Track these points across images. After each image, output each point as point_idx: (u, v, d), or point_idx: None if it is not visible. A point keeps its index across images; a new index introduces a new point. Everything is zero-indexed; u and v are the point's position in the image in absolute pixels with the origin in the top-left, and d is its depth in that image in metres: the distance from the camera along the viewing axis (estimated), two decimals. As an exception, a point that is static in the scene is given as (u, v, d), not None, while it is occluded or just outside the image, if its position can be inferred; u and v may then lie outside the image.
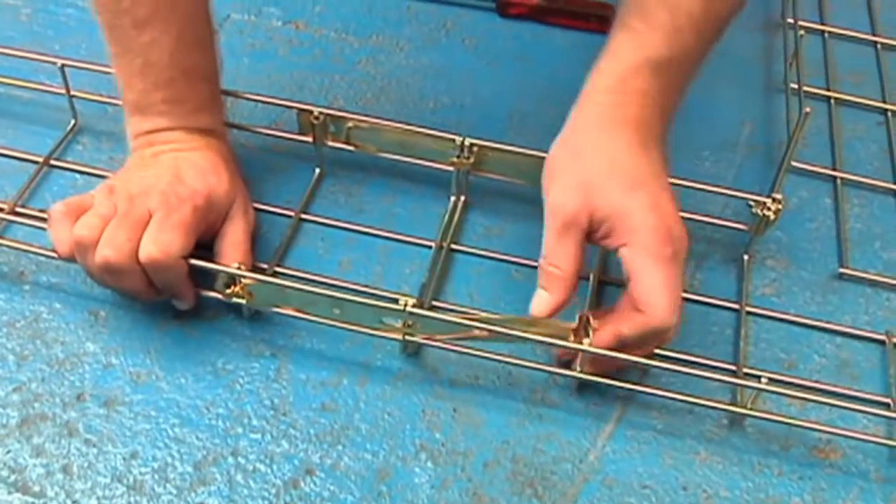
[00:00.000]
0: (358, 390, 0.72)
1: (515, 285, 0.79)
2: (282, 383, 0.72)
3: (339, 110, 0.82)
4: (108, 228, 0.69)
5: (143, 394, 0.71)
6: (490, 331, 0.69)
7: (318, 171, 0.86)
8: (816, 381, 0.75)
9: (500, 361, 0.72)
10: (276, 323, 0.75)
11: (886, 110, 0.97)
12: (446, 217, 0.82)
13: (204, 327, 0.75)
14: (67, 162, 0.86)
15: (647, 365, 0.70)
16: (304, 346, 0.75)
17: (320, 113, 0.81)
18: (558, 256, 0.69)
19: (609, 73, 0.71)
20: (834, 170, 0.91)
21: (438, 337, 0.72)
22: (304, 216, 0.83)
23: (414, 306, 0.69)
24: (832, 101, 0.97)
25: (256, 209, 0.81)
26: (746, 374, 0.75)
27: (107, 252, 0.68)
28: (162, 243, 0.69)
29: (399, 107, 0.89)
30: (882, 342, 0.78)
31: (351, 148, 0.83)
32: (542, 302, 0.69)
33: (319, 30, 1.00)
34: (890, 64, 1.02)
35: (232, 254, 0.74)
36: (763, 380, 0.69)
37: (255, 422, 0.70)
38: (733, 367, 0.75)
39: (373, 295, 0.76)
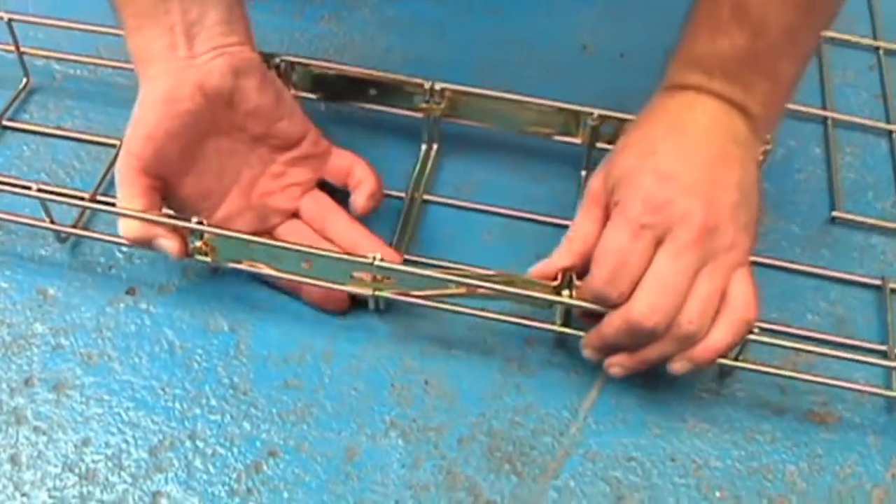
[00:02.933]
0: (322, 365, 0.68)
1: (487, 247, 0.76)
2: (241, 360, 0.68)
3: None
4: None
5: (94, 376, 0.67)
6: (467, 286, 0.64)
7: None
8: (811, 330, 0.72)
9: (473, 315, 0.67)
10: (235, 295, 0.71)
11: (878, 48, 0.92)
12: (418, 166, 0.78)
13: (159, 302, 0.71)
14: (20, 122, 0.81)
15: None
16: (266, 320, 0.70)
17: (282, 60, 0.76)
18: (575, 226, 0.66)
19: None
20: (824, 110, 0.86)
21: (413, 293, 0.67)
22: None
23: (382, 259, 0.64)
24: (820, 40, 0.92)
25: None
26: None
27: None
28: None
29: (364, 62, 0.83)
30: (879, 288, 0.74)
31: (315, 97, 0.79)
32: (540, 263, 0.66)
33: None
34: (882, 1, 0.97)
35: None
36: (754, 330, 0.64)
37: (213, 402, 0.66)
38: None
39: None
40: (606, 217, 0.64)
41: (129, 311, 0.70)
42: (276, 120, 0.70)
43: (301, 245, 0.66)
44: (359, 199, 0.71)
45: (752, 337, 0.63)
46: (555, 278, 0.65)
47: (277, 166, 0.72)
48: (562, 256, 0.65)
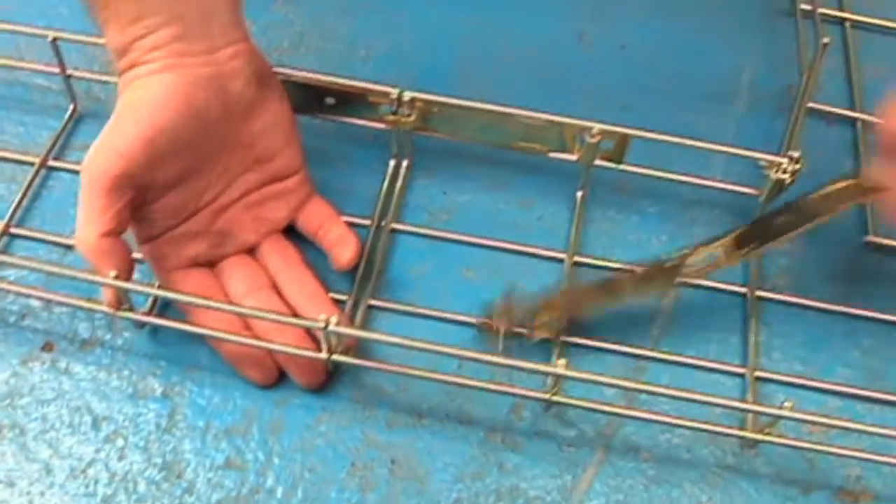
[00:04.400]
0: (271, 440, 0.58)
1: (467, 286, 0.65)
2: (175, 434, 0.58)
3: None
4: None
5: (2, 455, 0.57)
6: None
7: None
8: (844, 385, 0.62)
9: (450, 383, 0.58)
10: (170, 353, 0.61)
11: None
12: (385, 186, 0.67)
13: (81, 361, 0.60)
14: (69, 163, 0.69)
15: (636, 390, 0.59)
16: (204, 382, 0.60)
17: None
18: None
19: None
20: (854, 110, 0.75)
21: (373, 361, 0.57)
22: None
23: (338, 324, 0.54)
24: (847, 24, 0.81)
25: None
26: (758, 378, 0.62)
27: None
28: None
29: (324, 57, 0.72)
30: None
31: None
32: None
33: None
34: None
35: None
36: (786, 403, 0.54)
37: (141, 487, 0.56)
38: (743, 371, 0.62)
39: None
40: None
41: (45, 372, 0.60)
42: (283, 145, 0.61)
43: (253, 308, 0.57)
44: (343, 258, 0.62)
45: (779, 413, 0.54)
46: None
47: (257, 195, 0.62)
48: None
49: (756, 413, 0.58)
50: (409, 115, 0.65)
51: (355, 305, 0.62)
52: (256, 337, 0.57)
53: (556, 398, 0.57)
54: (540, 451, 0.58)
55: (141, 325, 0.60)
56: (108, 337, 0.61)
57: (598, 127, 0.63)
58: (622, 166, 0.66)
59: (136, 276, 0.60)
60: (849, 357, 0.64)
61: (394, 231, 0.67)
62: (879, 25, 0.82)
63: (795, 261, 0.67)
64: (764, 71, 0.78)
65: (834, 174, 0.68)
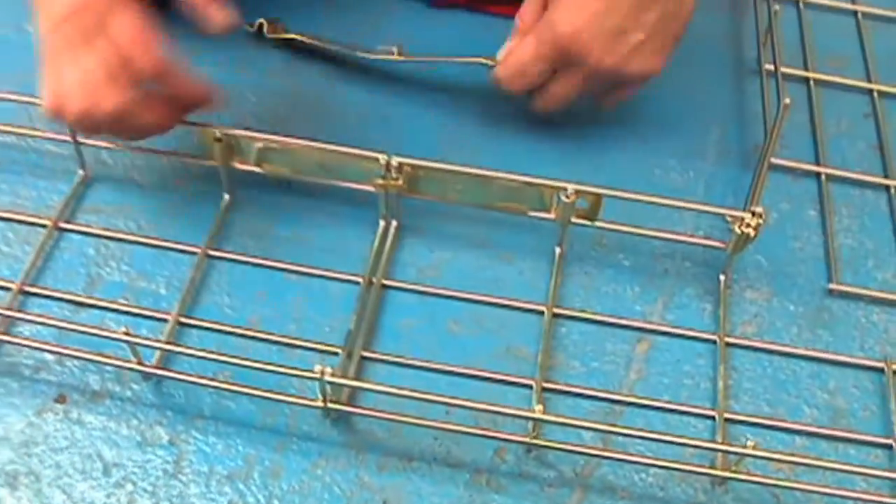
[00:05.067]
0: (270, 483, 0.62)
1: (454, 338, 0.69)
2: (181, 479, 0.62)
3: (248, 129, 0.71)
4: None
5: (18, 500, 0.61)
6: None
7: (226, 197, 0.74)
8: (808, 425, 0.66)
9: (437, 428, 0.62)
10: (175, 403, 0.65)
11: (872, 91, 0.86)
12: (375, 246, 0.72)
13: (92, 412, 0.64)
14: (80, 225, 0.73)
15: (612, 433, 0.63)
16: (207, 430, 0.64)
17: (223, 133, 0.70)
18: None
19: None
20: (818, 165, 0.80)
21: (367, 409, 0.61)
22: (212, 253, 0.72)
23: (333, 375, 0.59)
24: (811, 82, 0.86)
25: (157, 247, 0.72)
26: (728, 419, 0.65)
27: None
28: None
29: (317, 122, 0.77)
30: (881, 371, 0.69)
31: (261, 170, 0.72)
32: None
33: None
34: (874, 40, 0.91)
35: None
36: (750, 442, 0.58)
37: (150, 530, 0.60)
38: (713, 414, 0.66)
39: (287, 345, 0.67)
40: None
41: (58, 422, 0.64)
42: None
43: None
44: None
45: (748, 452, 0.58)
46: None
47: None
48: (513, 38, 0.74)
49: (723, 452, 0.61)
50: (397, 179, 0.69)
51: (349, 357, 0.65)
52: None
53: (536, 441, 0.61)
54: (522, 491, 0.62)
55: (148, 376, 0.64)
56: (117, 389, 0.65)
57: (572, 187, 0.68)
58: (597, 223, 0.70)
59: (143, 331, 0.65)
60: (814, 398, 0.68)
61: (385, 287, 0.71)
62: (842, 84, 0.87)
63: (762, 308, 0.71)
64: (733, 129, 0.83)
65: (799, 225, 0.73)
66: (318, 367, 0.58)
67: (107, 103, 0.62)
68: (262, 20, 0.83)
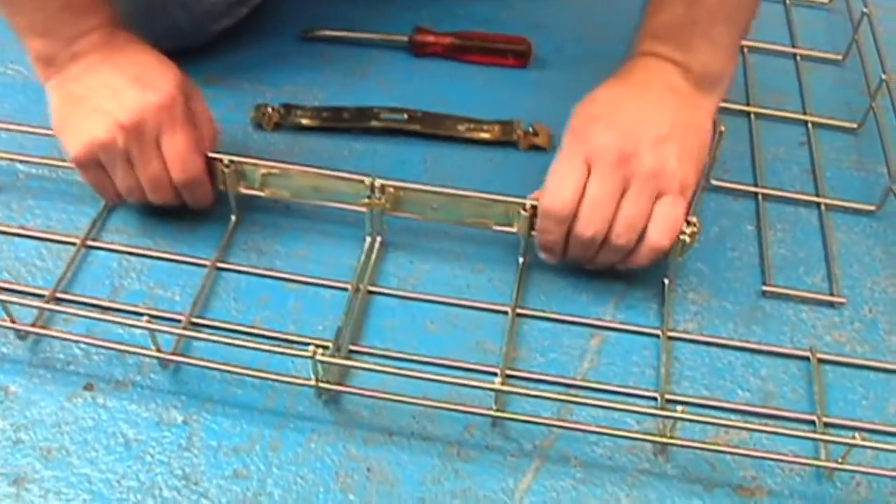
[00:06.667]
0: (270, 455, 0.71)
1: (431, 335, 0.79)
2: (193, 452, 0.71)
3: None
4: (140, 172, 0.77)
5: (53, 470, 0.70)
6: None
7: (233, 218, 0.85)
8: (741, 404, 0.75)
9: (415, 404, 0.72)
10: (189, 390, 0.74)
11: (807, 121, 0.97)
12: (362, 258, 0.81)
13: (116, 397, 0.74)
14: (105, 242, 0.84)
15: (565, 401, 0.72)
16: (216, 412, 0.73)
17: (230, 161, 0.80)
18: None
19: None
20: (756, 186, 0.90)
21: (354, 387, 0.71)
22: (220, 265, 0.82)
23: (323, 354, 0.69)
24: (752, 115, 0.97)
25: (172, 261, 0.82)
26: (669, 400, 0.74)
27: (154, 197, 0.79)
28: (187, 166, 0.78)
29: (312, 159, 0.88)
30: (807, 360, 0.78)
31: (264, 194, 0.83)
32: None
33: (232, 80, 0.98)
34: (811, 78, 1.02)
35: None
36: (679, 408, 0.68)
37: (165, 493, 0.69)
38: (655, 395, 0.75)
39: (285, 341, 0.77)
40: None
41: (86, 406, 0.73)
42: None
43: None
44: None
45: (681, 416, 0.68)
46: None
47: None
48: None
49: (661, 417, 0.71)
50: (381, 199, 0.80)
51: (338, 350, 0.75)
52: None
53: (499, 413, 0.70)
54: (488, 460, 0.71)
55: (166, 364, 0.74)
56: (138, 378, 0.75)
57: (529, 203, 0.78)
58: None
59: (160, 323, 0.75)
60: (748, 383, 0.77)
61: (370, 293, 0.81)
62: (781, 116, 0.98)
63: (702, 308, 0.81)
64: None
65: (738, 238, 0.83)
66: (311, 348, 0.68)
67: (134, 196, 0.80)
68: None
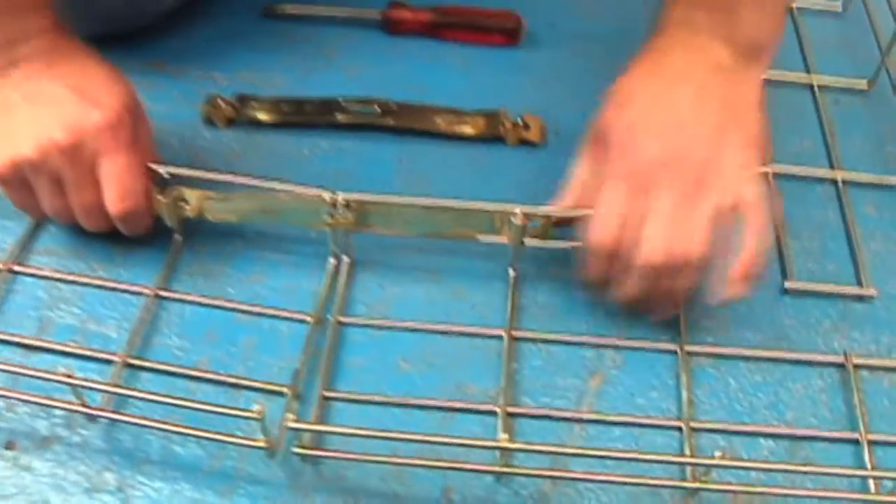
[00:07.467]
0: (219, 526, 0.62)
1: (404, 375, 0.69)
2: (128, 526, 0.62)
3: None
4: (72, 197, 0.69)
5: (-32, 548, 0.61)
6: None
7: (177, 238, 0.75)
8: (776, 427, 0.68)
9: (385, 463, 0.62)
10: (121, 448, 0.65)
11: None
12: (325, 284, 0.72)
13: (39, 457, 0.64)
14: (32, 267, 0.74)
15: (582, 455, 0.63)
16: (154, 475, 0.64)
17: (162, 191, 0.71)
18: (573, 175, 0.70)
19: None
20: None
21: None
22: (162, 294, 0.72)
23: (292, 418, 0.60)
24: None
25: (108, 289, 0.72)
26: (694, 428, 0.66)
27: (86, 224, 0.71)
28: (126, 197, 0.68)
29: (269, 159, 0.77)
30: (841, 366, 0.70)
31: (209, 218, 0.73)
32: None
33: (180, 67, 0.87)
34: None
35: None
36: (718, 453, 0.59)
37: (95, 580, 0.60)
38: (679, 424, 0.67)
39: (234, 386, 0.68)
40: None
41: (8, 468, 0.64)
42: None
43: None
44: None
45: (720, 462, 0.60)
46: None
47: None
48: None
49: (692, 465, 0.63)
50: (344, 216, 0.69)
51: (296, 397, 0.65)
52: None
53: (505, 469, 0.62)
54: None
55: (95, 420, 0.65)
56: (65, 434, 0.65)
57: (520, 211, 0.68)
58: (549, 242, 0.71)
59: (93, 374, 0.65)
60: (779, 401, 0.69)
61: (340, 324, 0.71)
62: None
63: (719, 322, 0.72)
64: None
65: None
66: (256, 407, 0.58)
67: (62, 219, 0.71)
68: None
